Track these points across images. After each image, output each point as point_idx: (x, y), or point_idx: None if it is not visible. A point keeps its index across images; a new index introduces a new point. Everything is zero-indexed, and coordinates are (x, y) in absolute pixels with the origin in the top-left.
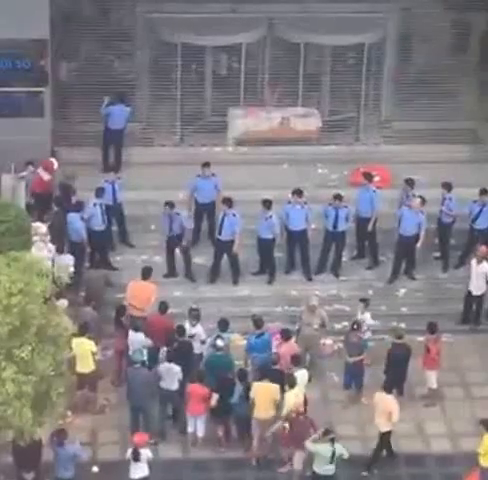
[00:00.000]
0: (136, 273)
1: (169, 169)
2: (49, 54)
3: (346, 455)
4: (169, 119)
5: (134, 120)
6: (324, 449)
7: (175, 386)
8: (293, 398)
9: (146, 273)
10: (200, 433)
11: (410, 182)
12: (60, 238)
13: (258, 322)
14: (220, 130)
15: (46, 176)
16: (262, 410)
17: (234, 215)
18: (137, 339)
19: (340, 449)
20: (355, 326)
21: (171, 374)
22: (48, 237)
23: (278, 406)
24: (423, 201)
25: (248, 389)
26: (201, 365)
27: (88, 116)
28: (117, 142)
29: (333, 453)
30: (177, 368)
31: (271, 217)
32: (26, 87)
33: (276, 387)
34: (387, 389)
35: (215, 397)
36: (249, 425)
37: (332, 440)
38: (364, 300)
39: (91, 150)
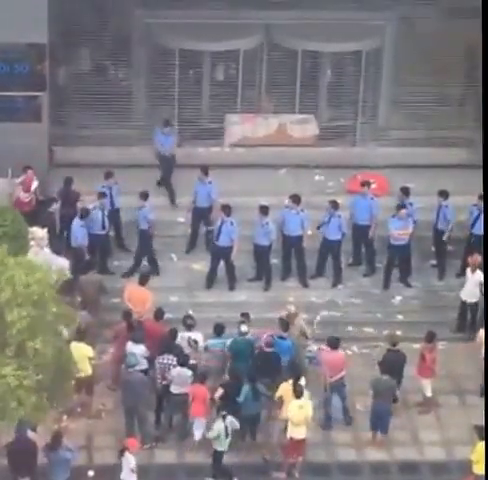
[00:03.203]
0: (133, 278)
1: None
2: (47, 59)
3: (237, 426)
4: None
5: (131, 126)
6: (220, 426)
7: (185, 390)
8: (296, 409)
9: (143, 279)
10: (197, 437)
11: (405, 191)
12: (54, 240)
13: (284, 325)
14: (217, 136)
15: (23, 195)
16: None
17: (232, 223)
18: (137, 351)
19: (231, 422)
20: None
21: (183, 378)
22: (45, 241)
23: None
24: (403, 207)
25: (256, 390)
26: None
27: (86, 121)
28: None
29: (226, 427)
30: (189, 372)
31: (268, 224)
32: (24, 91)
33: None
34: None
35: (220, 391)
36: (256, 427)
37: (223, 417)
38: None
39: (89, 151)
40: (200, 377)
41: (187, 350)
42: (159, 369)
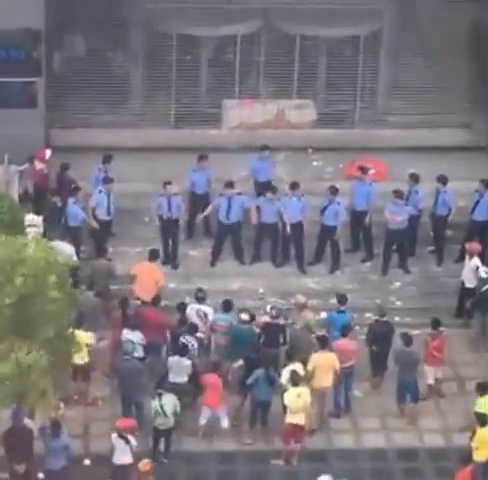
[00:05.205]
0: (130, 265)
1: (163, 159)
2: (43, 44)
3: (178, 407)
4: (163, 110)
5: (128, 110)
6: (155, 404)
7: (184, 379)
8: (294, 396)
9: (153, 255)
10: (224, 424)
11: (415, 178)
12: (56, 227)
13: (342, 299)
14: (215, 121)
15: (39, 165)
16: (323, 379)
17: (239, 194)
18: (134, 338)
19: (169, 402)
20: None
21: (181, 367)
22: (41, 229)
23: (337, 374)
24: (400, 193)
25: (270, 376)
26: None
27: (82, 106)
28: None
29: (161, 406)
30: (187, 362)
31: (278, 199)
32: (20, 77)
33: (334, 356)
34: None
35: (239, 362)
36: (267, 413)
37: (159, 395)
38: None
39: (86, 135)
40: (213, 366)
41: (196, 322)
42: None
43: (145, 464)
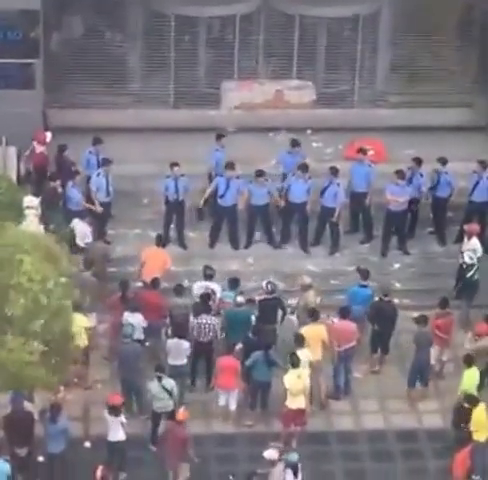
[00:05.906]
0: (129, 247)
1: (162, 139)
2: (40, 25)
3: (176, 390)
4: (162, 91)
5: (126, 91)
6: (154, 385)
7: (182, 362)
8: (294, 378)
9: (160, 240)
10: (232, 407)
11: (418, 161)
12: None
13: (364, 273)
14: (214, 102)
15: (39, 148)
16: (314, 351)
17: (237, 177)
18: (134, 320)
19: (169, 384)
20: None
21: (180, 350)
22: (39, 211)
23: (327, 347)
24: (402, 174)
25: (269, 357)
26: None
27: (80, 87)
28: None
29: (164, 388)
30: (186, 344)
31: (267, 180)
32: (17, 58)
33: (323, 328)
34: None
35: (239, 346)
36: (267, 395)
37: (159, 378)
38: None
39: (84, 116)
40: (227, 349)
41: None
42: (196, 329)
43: (183, 413)
